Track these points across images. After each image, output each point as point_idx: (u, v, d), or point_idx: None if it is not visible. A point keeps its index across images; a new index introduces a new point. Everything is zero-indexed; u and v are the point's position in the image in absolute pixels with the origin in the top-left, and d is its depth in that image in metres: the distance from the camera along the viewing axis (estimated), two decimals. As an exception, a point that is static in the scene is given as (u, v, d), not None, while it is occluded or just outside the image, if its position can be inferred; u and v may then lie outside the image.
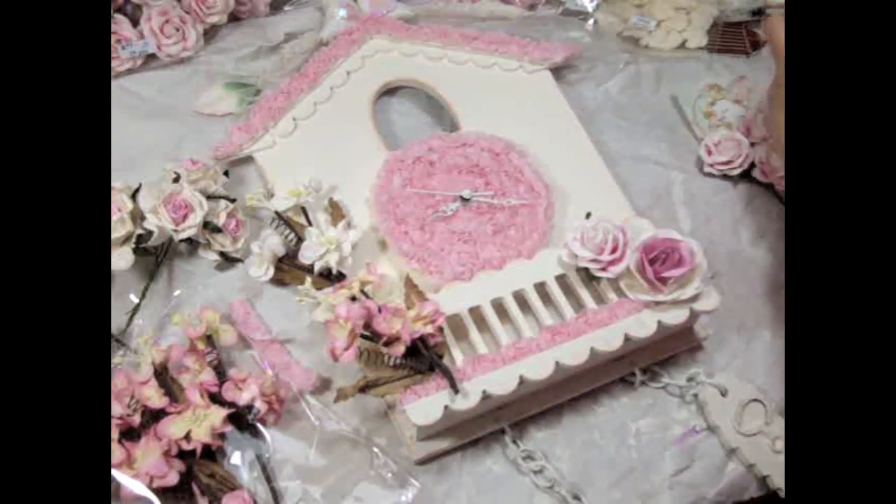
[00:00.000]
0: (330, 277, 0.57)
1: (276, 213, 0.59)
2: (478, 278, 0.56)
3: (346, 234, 0.57)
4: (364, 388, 0.51)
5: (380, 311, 0.51)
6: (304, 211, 0.59)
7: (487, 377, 0.51)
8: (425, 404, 0.50)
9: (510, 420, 0.56)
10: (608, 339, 0.53)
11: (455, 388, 0.50)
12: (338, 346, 0.49)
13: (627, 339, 0.53)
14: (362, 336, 0.50)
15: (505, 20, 0.81)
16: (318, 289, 0.54)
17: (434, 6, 0.80)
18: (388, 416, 0.55)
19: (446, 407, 0.50)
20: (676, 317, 0.54)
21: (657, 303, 0.54)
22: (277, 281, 0.59)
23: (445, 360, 0.52)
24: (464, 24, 0.77)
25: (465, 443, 0.55)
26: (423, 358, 0.51)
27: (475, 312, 0.55)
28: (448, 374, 0.50)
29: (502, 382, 0.51)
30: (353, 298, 0.51)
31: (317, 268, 0.56)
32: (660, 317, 0.54)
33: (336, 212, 0.60)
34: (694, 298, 0.54)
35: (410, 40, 0.72)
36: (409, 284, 0.55)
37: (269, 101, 0.67)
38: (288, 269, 0.59)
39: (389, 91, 0.71)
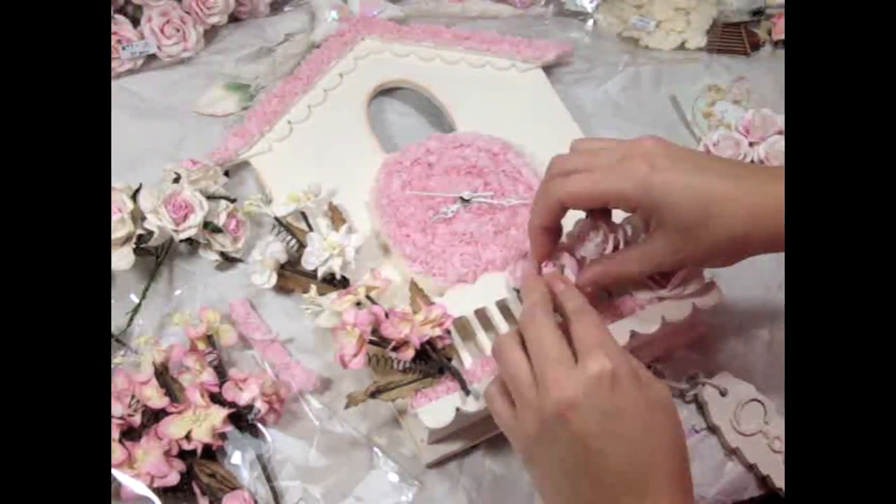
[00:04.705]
0: (333, 282, 0.57)
1: (276, 218, 0.59)
2: (481, 280, 0.56)
3: (349, 238, 0.56)
4: (374, 394, 0.50)
5: (387, 316, 0.51)
6: (303, 216, 0.59)
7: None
8: (436, 407, 0.50)
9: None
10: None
11: (466, 389, 0.50)
12: (347, 353, 0.49)
13: (632, 335, 0.53)
14: (370, 342, 0.50)
15: (497, 19, 0.81)
16: (321, 294, 0.54)
17: (425, 6, 0.80)
18: (398, 420, 0.55)
19: (458, 409, 0.50)
20: (680, 312, 0.54)
21: (660, 299, 0.54)
22: (280, 287, 0.59)
23: (454, 363, 0.52)
24: (455, 24, 0.77)
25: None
26: (433, 361, 0.51)
27: (480, 314, 0.55)
28: (458, 377, 0.50)
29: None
30: (358, 304, 0.51)
31: (320, 273, 0.56)
32: (663, 313, 0.54)
33: (336, 216, 0.60)
34: (696, 294, 0.55)
35: (402, 41, 0.72)
36: (414, 288, 0.55)
37: (264, 105, 0.67)
38: (290, 275, 0.59)
39: (387, 91, 0.71)
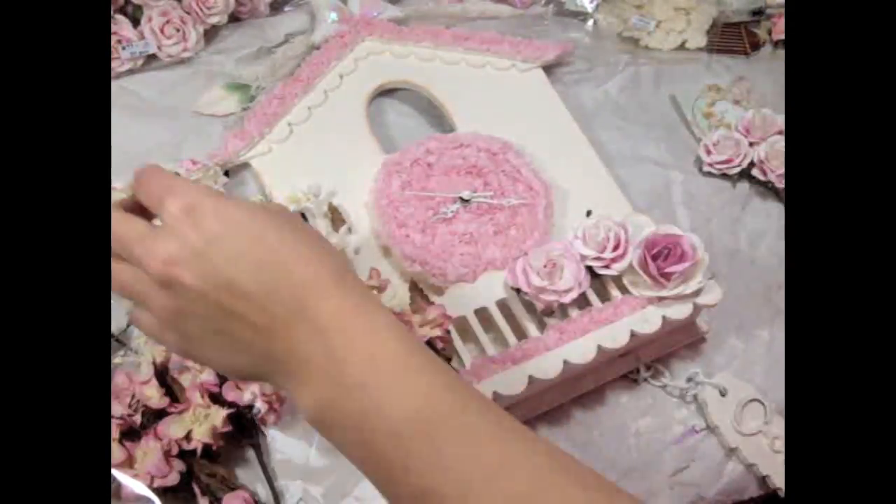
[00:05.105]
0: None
1: (276, 218, 0.59)
2: (481, 280, 0.56)
3: (349, 239, 0.56)
4: None
5: (386, 316, 0.51)
6: (303, 217, 0.59)
7: (497, 378, 0.51)
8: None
9: (520, 420, 0.55)
10: (614, 336, 0.53)
11: (466, 391, 0.50)
12: None
13: (633, 335, 0.54)
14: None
15: (497, 19, 0.81)
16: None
17: (425, 7, 0.80)
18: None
19: (457, 410, 0.50)
20: (680, 312, 0.55)
21: (661, 298, 0.55)
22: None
23: (454, 363, 0.52)
24: (455, 25, 0.77)
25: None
26: (432, 361, 0.51)
27: (480, 313, 0.55)
28: (458, 378, 0.50)
29: (512, 383, 0.51)
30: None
31: (319, 272, 0.56)
32: (664, 312, 0.54)
33: (336, 217, 0.60)
34: (697, 293, 0.55)
35: (402, 42, 0.72)
36: (414, 288, 0.55)
37: (264, 106, 0.66)
38: (290, 275, 0.58)
39: (387, 91, 0.71)
